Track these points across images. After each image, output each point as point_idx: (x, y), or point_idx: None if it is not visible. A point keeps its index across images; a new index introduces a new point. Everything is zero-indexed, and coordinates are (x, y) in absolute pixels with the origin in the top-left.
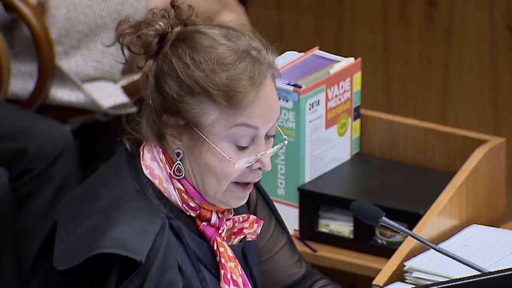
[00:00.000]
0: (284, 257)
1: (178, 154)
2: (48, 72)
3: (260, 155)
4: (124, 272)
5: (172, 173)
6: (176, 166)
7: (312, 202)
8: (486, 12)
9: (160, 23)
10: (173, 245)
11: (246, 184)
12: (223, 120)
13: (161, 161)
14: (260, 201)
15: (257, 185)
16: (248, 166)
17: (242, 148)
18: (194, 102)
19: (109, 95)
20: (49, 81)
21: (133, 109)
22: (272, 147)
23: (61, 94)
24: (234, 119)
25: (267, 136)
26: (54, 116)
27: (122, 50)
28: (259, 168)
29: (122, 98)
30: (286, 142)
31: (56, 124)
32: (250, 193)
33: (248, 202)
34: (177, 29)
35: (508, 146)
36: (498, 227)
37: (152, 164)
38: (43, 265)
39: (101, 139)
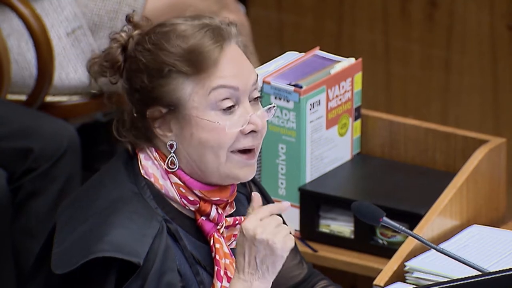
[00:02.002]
0: (287, 259)
1: (171, 146)
2: (47, 72)
3: (250, 116)
4: (122, 276)
5: (166, 167)
6: (170, 159)
7: (313, 202)
8: (487, 12)
9: (122, 35)
10: (172, 248)
11: (247, 151)
12: (199, 89)
13: (155, 159)
14: (263, 203)
15: (259, 187)
16: (240, 131)
17: (228, 112)
18: (167, 81)
19: None
20: (49, 80)
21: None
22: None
23: (65, 76)
24: (209, 84)
25: (253, 100)
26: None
27: (95, 80)
28: (254, 131)
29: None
30: (275, 106)
31: (61, 122)
32: (251, 194)
33: (249, 202)
34: (137, 32)
35: (509, 146)
36: (498, 227)
37: (147, 163)
38: (43, 268)
39: (101, 139)
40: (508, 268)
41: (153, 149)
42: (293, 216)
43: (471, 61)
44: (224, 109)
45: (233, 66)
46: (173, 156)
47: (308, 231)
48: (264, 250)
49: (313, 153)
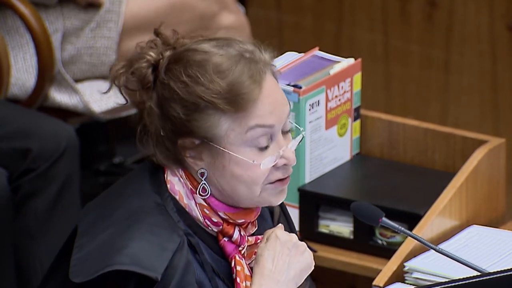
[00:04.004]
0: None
1: (202, 174)
2: (47, 72)
3: (282, 151)
4: None
5: (197, 193)
6: (202, 187)
7: (312, 202)
8: (486, 12)
9: (151, 53)
10: (192, 263)
11: (280, 180)
12: (236, 127)
13: (181, 177)
14: (282, 222)
15: (281, 205)
16: (273, 165)
17: (263, 149)
18: (203, 117)
19: (109, 97)
20: (49, 80)
21: (134, 111)
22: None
23: (59, 97)
24: (247, 122)
25: (284, 132)
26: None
27: (121, 92)
28: (285, 164)
29: (123, 99)
30: (304, 133)
31: (60, 123)
32: (274, 210)
33: (272, 218)
34: (167, 53)
35: (508, 147)
36: (498, 227)
37: (173, 179)
38: (61, 270)
39: (101, 139)
40: (507, 268)
41: (180, 168)
42: (293, 216)
43: (471, 61)
44: (259, 147)
45: (270, 102)
46: (205, 184)
47: (308, 231)
48: (296, 255)
49: (312, 153)
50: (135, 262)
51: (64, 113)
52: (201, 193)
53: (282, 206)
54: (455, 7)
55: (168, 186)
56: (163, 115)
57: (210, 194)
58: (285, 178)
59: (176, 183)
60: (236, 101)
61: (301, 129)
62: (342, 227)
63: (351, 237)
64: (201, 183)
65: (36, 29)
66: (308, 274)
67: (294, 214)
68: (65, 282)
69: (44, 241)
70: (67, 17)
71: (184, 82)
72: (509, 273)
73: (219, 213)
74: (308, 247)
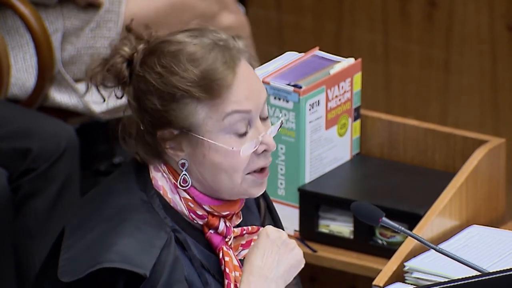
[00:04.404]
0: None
1: (183, 165)
2: (47, 72)
3: (261, 136)
4: (129, 286)
5: (178, 185)
6: (182, 177)
7: (312, 202)
8: (486, 12)
9: (125, 48)
10: (180, 259)
11: (261, 170)
12: (213, 114)
13: (164, 172)
14: (267, 216)
15: (267, 201)
16: (253, 152)
17: (241, 135)
18: (180, 107)
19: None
20: (49, 80)
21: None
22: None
23: (59, 97)
24: (223, 109)
25: (262, 118)
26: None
27: (98, 91)
28: (265, 150)
29: (122, 100)
30: (282, 120)
31: (59, 123)
32: (260, 204)
33: (259, 210)
34: (141, 46)
35: (508, 147)
36: (498, 227)
37: (157, 175)
38: (50, 272)
39: (101, 139)
40: (507, 268)
41: (162, 163)
42: (293, 216)
43: (471, 61)
44: (237, 133)
45: (246, 88)
46: (186, 174)
47: (308, 231)
48: (286, 252)
49: (312, 153)
50: (124, 259)
51: (64, 113)
52: (181, 184)
53: (267, 199)
54: (455, 7)
55: (153, 182)
56: (141, 108)
57: (191, 185)
58: (264, 169)
59: (159, 179)
60: (210, 88)
61: (280, 116)
62: (342, 227)
63: (351, 237)
64: (182, 174)
65: (36, 29)
66: (298, 271)
67: (294, 214)
68: (55, 285)
69: (44, 241)
70: (67, 17)
71: (158, 73)
72: (509, 273)
73: (203, 206)
74: (308, 247)
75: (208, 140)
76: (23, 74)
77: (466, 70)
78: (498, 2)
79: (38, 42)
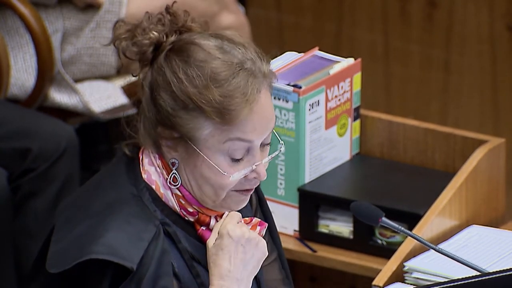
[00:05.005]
0: (270, 272)
1: (173, 164)
2: (47, 72)
3: (255, 165)
4: (116, 279)
5: (167, 183)
6: (172, 176)
7: (312, 202)
8: (486, 12)
9: (155, 32)
10: (168, 252)
11: (246, 190)
12: (217, 134)
13: (158, 167)
14: (258, 211)
15: (258, 194)
16: (244, 176)
17: (236, 161)
18: (188, 117)
19: (108, 97)
20: (48, 80)
21: (133, 111)
22: (268, 154)
23: (59, 97)
24: (228, 134)
25: (263, 145)
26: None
27: (118, 54)
28: (255, 177)
29: (122, 100)
30: (282, 148)
31: (59, 123)
32: (251, 197)
33: (251, 204)
34: (171, 38)
35: (508, 147)
36: (497, 227)
37: (150, 169)
38: (42, 268)
39: (101, 139)
40: (507, 268)
41: (157, 156)
42: (292, 216)
43: (471, 62)
44: (233, 158)
45: (256, 121)
46: (176, 174)
47: (307, 231)
48: (251, 249)
49: (312, 153)
50: (112, 251)
51: (64, 113)
52: (171, 182)
53: (258, 192)
54: (455, 7)
55: (145, 176)
56: (152, 98)
57: (180, 184)
58: (250, 189)
59: (153, 173)
60: (223, 114)
61: (281, 142)
62: (342, 227)
63: (351, 237)
64: (172, 173)
65: (36, 29)
66: (265, 256)
67: (293, 214)
68: (47, 279)
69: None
70: (67, 18)
71: (179, 78)
72: (509, 273)
73: (193, 205)
74: (308, 247)
75: (204, 156)
76: (23, 74)
77: (466, 70)
78: (498, 2)
79: (38, 42)
